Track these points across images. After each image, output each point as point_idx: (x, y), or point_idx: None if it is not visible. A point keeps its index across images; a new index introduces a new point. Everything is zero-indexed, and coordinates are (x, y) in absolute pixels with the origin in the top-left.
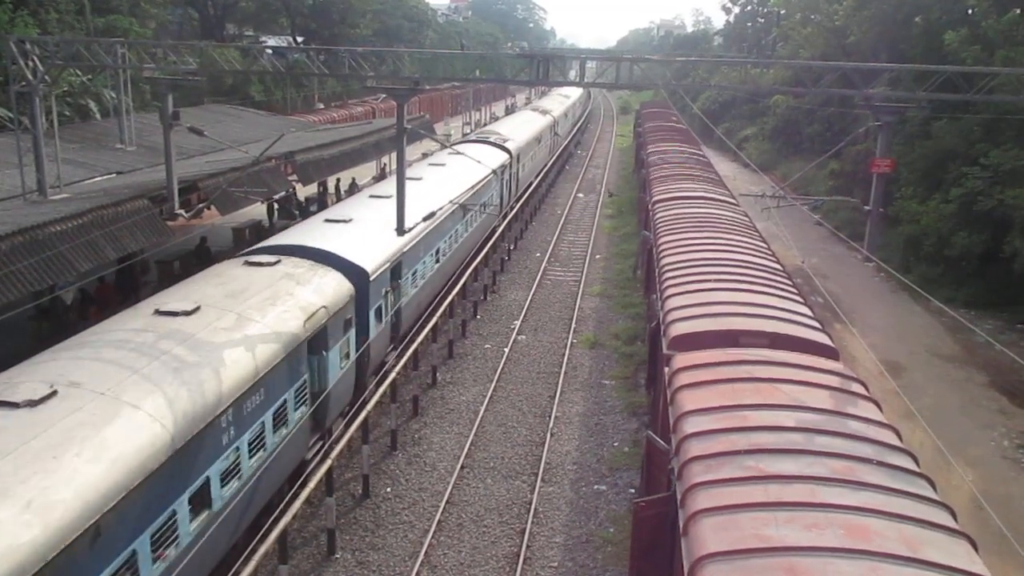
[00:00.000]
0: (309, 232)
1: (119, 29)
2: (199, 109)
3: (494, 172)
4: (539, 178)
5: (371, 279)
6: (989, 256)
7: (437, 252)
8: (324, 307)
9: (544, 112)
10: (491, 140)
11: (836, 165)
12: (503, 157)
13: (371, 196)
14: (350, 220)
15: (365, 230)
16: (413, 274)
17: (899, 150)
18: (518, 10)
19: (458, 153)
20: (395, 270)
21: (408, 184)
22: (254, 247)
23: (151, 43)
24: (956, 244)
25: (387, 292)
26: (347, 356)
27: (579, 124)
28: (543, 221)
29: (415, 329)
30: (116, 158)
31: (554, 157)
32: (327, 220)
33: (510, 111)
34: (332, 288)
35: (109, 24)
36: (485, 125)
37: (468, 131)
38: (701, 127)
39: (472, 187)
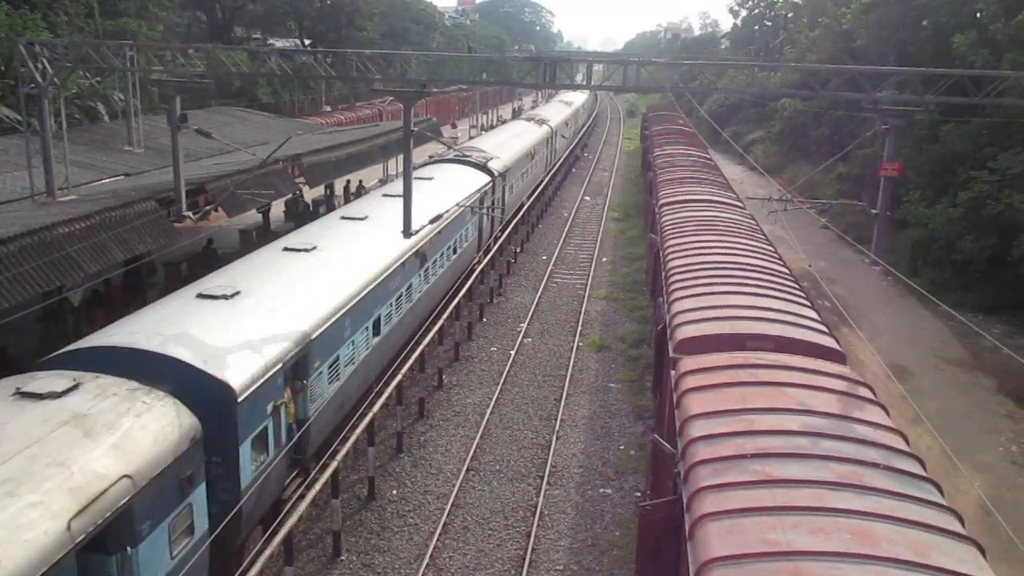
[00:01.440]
0: (159, 320)
1: (127, 32)
2: (207, 111)
3: (471, 200)
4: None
5: (241, 399)
6: (997, 260)
7: (378, 322)
8: (129, 476)
9: (540, 122)
10: (471, 159)
11: (843, 169)
12: (483, 180)
13: (286, 248)
14: (235, 294)
15: (255, 309)
16: (333, 364)
17: (907, 154)
18: (525, 13)
19: (426, 178)
20: (298, 366)
21: (349, 226)
22: (54, 355)
23: (159, 45)
24: (964, 248)
25: (280, 405)
26: (189, 531)
27: (583, 133)
28: (550, 224)
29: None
30: (124, 160)
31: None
32: (200, 295)
33: (517, 114)
34: (156, 433)
35: (118, 27)
36: (477, 135)
37: (475, 134)
38: (708, 130)
39: (437, 226)
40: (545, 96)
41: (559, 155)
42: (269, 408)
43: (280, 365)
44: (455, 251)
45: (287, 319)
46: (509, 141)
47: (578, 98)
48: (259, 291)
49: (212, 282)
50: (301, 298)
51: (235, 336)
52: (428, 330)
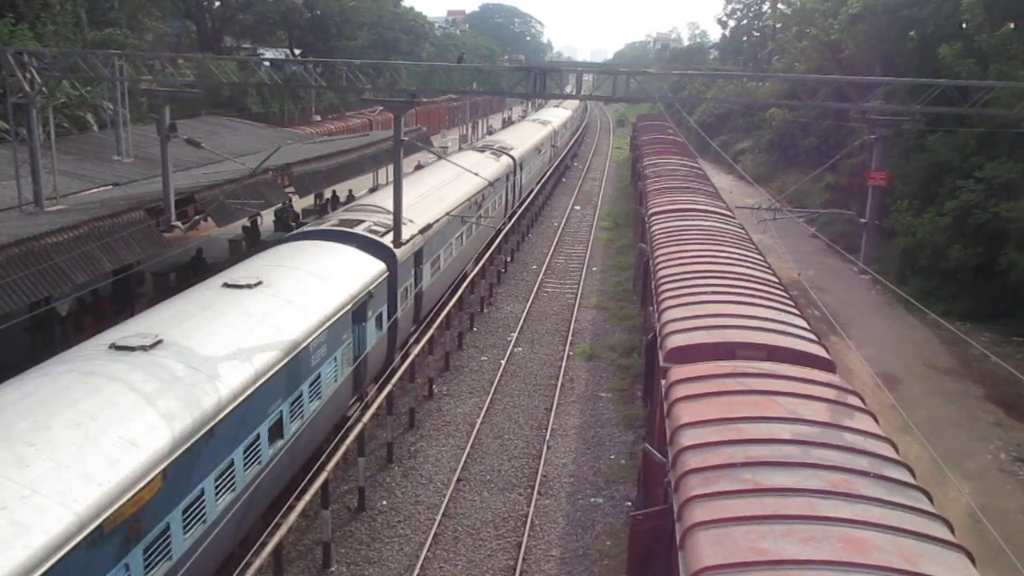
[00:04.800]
0: None
1: (115, 41)
2: (196, 121)
3: (330, 323)
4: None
5: None
6: (985, 269)
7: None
8: None
9: (498, 152)
10: (358, 233)
11: (832, 178)
12: (370, 271)
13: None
14: None
15: None
16: None
17: (894, 163)
18: (515, 23)
19: (247, 286)
20: None
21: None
22: None
23: (149, 55)
24: (951, 257)
25: None
26: None
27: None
28: (540, 233)
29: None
30: (113, 170)
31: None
32: None
33: (507, 124)
34: None
35: (106, 36)
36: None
37: (463, 146)
38: (698, 140)
39: (266, 375)
40: (535, 106)
41: (525, 191)
42: None
43: None
44: (280, 434)
45: None
46: (439, 190)
47: (559, 115)
48: None
49: None
50: None
51: None
52: (418, 341)
